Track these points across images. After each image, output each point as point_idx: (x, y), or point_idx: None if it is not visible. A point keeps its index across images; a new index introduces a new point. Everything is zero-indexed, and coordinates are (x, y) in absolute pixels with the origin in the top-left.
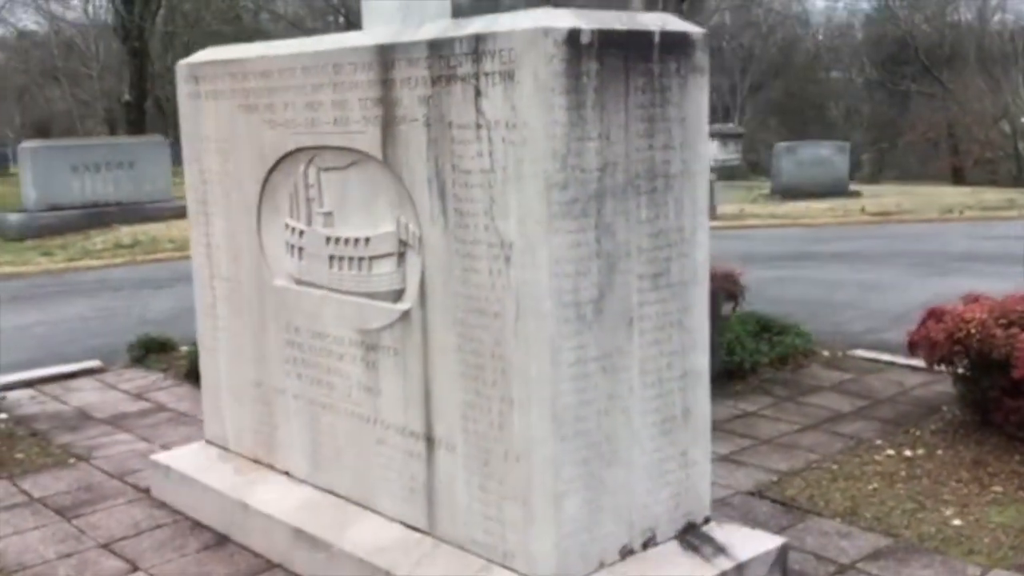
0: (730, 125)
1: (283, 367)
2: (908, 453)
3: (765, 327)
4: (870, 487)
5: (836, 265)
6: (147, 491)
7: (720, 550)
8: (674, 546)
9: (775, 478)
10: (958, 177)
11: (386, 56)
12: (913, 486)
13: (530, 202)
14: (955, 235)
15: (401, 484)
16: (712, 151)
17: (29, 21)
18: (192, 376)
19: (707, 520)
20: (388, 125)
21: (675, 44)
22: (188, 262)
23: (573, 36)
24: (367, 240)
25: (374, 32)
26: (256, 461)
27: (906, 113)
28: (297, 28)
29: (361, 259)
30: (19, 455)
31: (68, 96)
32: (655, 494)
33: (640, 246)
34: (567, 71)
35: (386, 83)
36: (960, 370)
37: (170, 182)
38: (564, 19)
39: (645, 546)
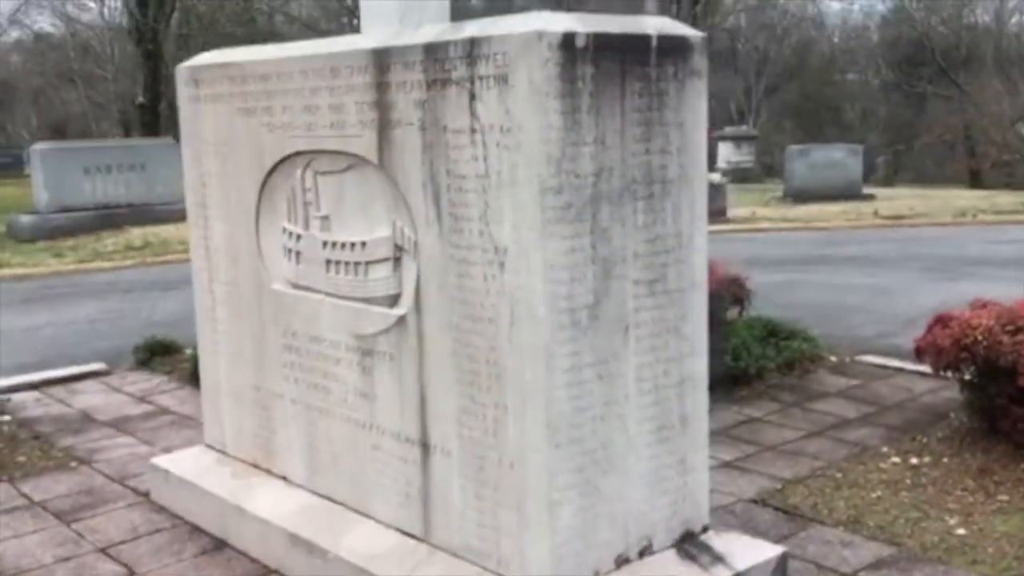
0: (743, 128)
1: (281, 371)
2: (914, 461)
3: (772, 332)
4: (874, 495)
5: (847, 269)
6: (147, 495)
7: (718, 559)
8: (671, 555)
9: (778, 485)
10: (975, 180)
11: (382, 59)
12: (918, 494)
13: (524, 207)
14: (968, 239)
15: (396, 490)
16: (725, 153)
17: (45, 23)
18: (196, 379)
19: (705, 529)
20: (384, 129)
21: (673, 48)
22: None
23: (568, 40)
24: (363, 244)
25: (371, 35)
26: (255, 465)
27: (922, 115)
28: (311, 30)
29: (357, 263)
30: (21, 458)
31: (83, 98)
32: (652, 502)
33: (636, 252)
34: (562, 75)
35: (382, 87)
36: (967, 377)
37: (181, 184)
38: (559, 22)
39: (641, 555)
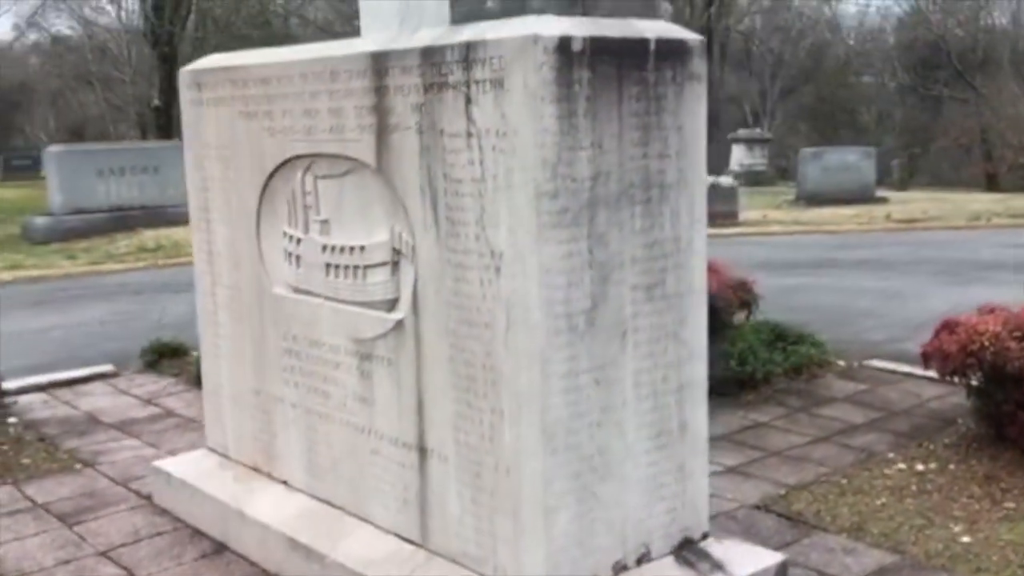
0: (757, 130)
1: (281, 375)
2: (920, 467)
3: (780, 336)
4: (879, 502)
5: (858, 273)
6: (149, 498)
7: (717, 566)
8: (669, 562)
9: (782, 491)
10: (992, 183)
11: (380, 63)
12: (923, 501)
13: (520, 211)
14: (981, 243)
15: (395, 495)
16: (738, 156)
17: (63, 26)
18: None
19: (705, 535)
20: (382, 133)
21: (671, 52)
22: None
23: (564, 44)
24: (362, 248)
25: (370, 38)
26: (256, 469)
27: (939, 118)
28: (325, 32)
29: (356, 268)
30: (26, 460)
31: (101, 100)
32: (650, 509)
33: (634, 256)
34: (558, 79)
35: (380, 90)
36: (974, 383)
37: None
38: (555, 26)
39: (639, 562)
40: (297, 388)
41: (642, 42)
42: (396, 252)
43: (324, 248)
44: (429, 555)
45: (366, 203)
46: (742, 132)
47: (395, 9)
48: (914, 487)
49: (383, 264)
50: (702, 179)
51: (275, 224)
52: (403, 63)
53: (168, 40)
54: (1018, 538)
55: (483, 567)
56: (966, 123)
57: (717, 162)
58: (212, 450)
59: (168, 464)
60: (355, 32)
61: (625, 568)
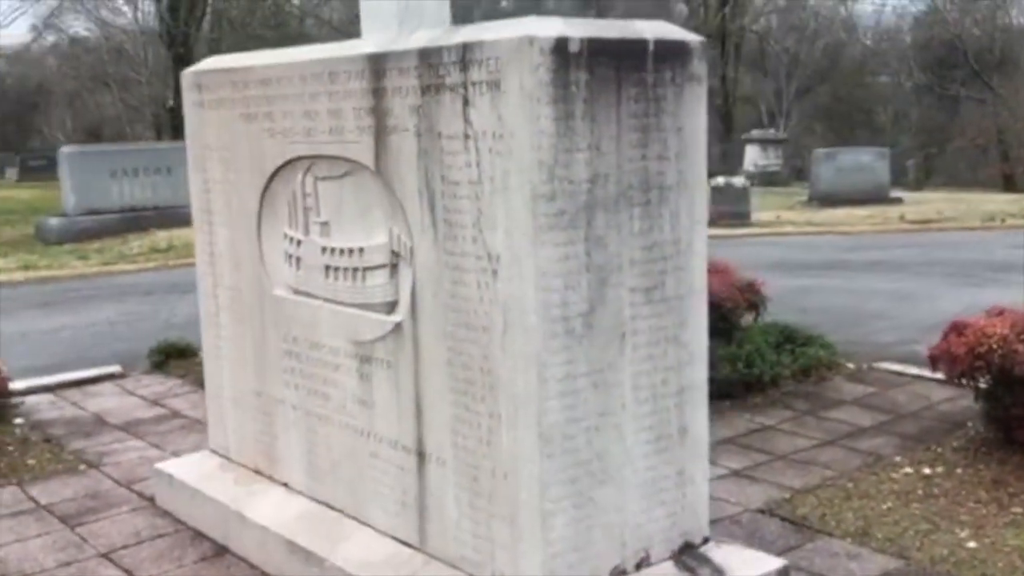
0: (771, 131)
1: (282, 377)
2: (927, 471)
3: (788, 338)
4: (884, 506)
5: (869, 274)
6: (152, 500)
7: (718, 571)
8: (669, 567)
9: (787, 495)
10: (1008, 184)
11: (378, 65)
12: (929, 506)
13: (516, 214)
14: (996, 244)
15: (394, 498)
16: (752, 156)
17: (80, 27)
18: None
19: (706, 540)
20: (381, 135)
21: (671, 52)
22: None
23: (560, 45)
24: (361, 251)
25: (369, 40)
26: (257, 471)
27: (955, 118)
28: (340, 32)
29: (355, 270)
30: (31, 461)
31: (117, 101)
32: (649, 513)
33: (633, 259)
34: (554, 80)
35: (378, 92)
36: (982, 385)
37: None
38: (552, 27)
39: (639, 566)
40: (298, 390)
41: (641, 43)
42: (395, 254)
43: (324, 250)
44: (427, 559)
45: (365, 205)
46: (756, 132)
47: (394, 10)
48: (920, 491)
49: (382, 266)
50: (702, 181)
51: (276, 226)
52: (400, 64)
53: (183, 41)
54: None
55: (481, 571)
56: (983, 123)
57: (730, 162)
58: (214, 452)
59: (171, 466)
60: None
61: (624, 573)
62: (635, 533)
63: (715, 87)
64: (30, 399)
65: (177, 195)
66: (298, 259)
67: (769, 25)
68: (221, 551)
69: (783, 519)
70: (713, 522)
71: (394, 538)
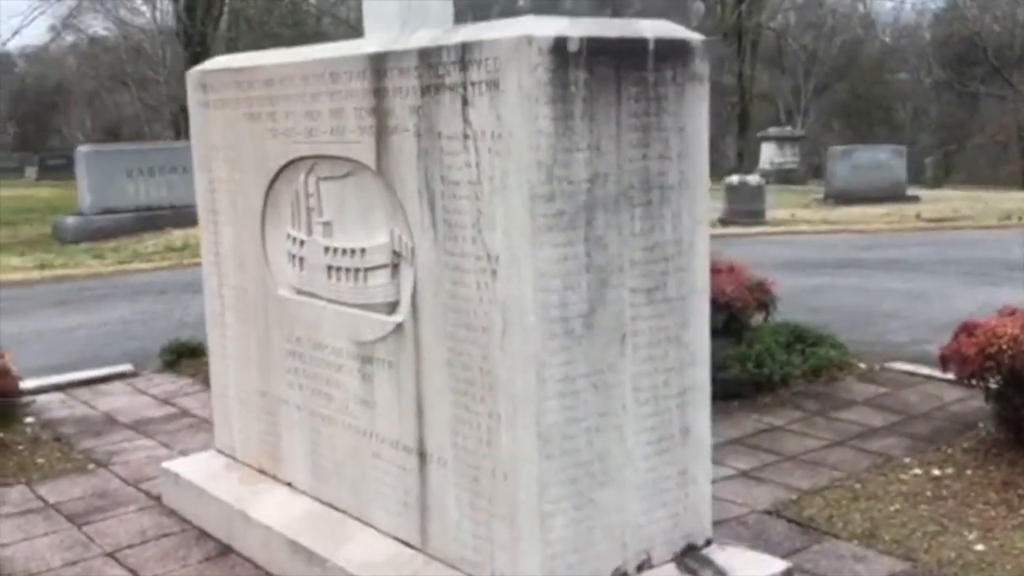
0: (787, 128)
1: (286, 377)
2: (936, 472)
3: (799, 338)
4: (892, 508)
5: (883, 273)
6: (159, 499)
7: (720, 574)
8: (671, 569)
9: (795, 496)
10: None
11: (379, 65)
12: (937, 507)
13: (515, 214)
14: (1013, 242)
15: (395, 499)
16: (768, 154)
17: (99, 27)
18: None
19: (708, 542)
20: (382, 135)
21: (672, 52)
22: None
23: (559, 44)
24: (363, 251)
25: (371, 39)
26: (262, 471)
27: (975, 115)
28: (356, 31)
29: (357, 270)
30: (40, 460)
31: (136, 100)
32: (651, 515)
33: (634, 259)
34: (553, 80)
35: (379, 92)
36: (993, 386)
37: None
38: (551, 27)
39: (640, 568)
40: (301, 390)
41: (641, 42)
42: (396, 254)
43: (326, 250)
44: (428, 559)
45: (367, 205)
46: (772, 130)
47: (397, 10)
48: (929, 493)
49: (383, 266)
50: (704, 180)
51: (279, 226)
52: (401, 64)
53: (200, 40)
54: None
55: (481, 572)
56: (1003, 120)
57: (746, 160)
58: (220, 451)
59: (177, 465)
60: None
61: (625, 575)
62: (636, 534)
63: (732, 85)
64: (41, 398)
65: (192, 194)
66: (301, 259)
67: (787, 22)
68: (226, 551)
69: (790, 520)
70: (719, 523)
71: (396, 538)
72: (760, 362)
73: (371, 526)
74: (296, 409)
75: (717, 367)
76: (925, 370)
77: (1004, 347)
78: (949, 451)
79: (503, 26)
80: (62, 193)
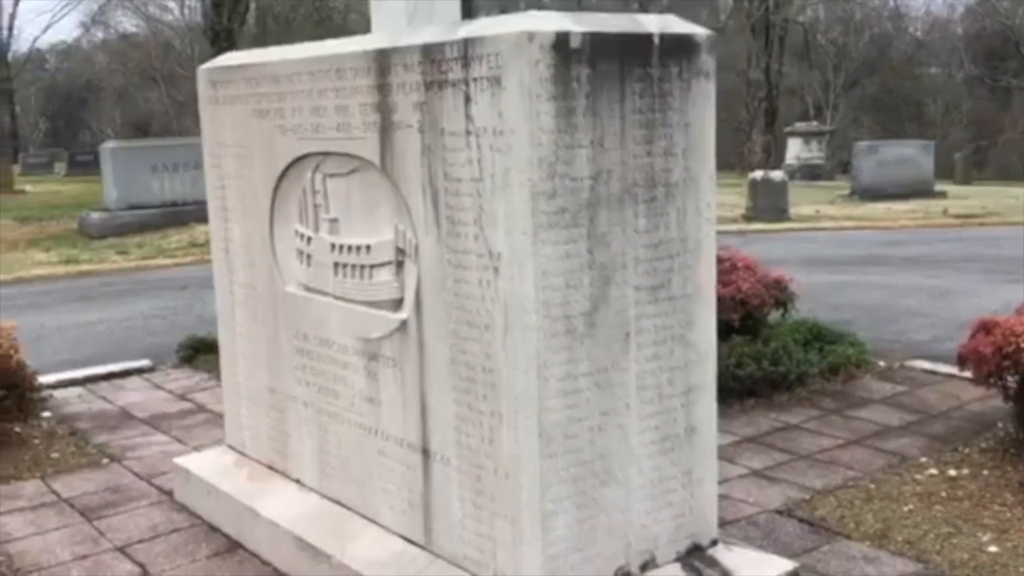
0: (814, 123)
1: (294, 374)
2: (952, 472)
3: (817, 335)
4: (905, 508)
5: (907, 270)
6: (170, 494)
7: (725, 574)
8: (675, 569)
9: (807, 496)
10: None
11: (384, 61)
12: (952, 508)
13: (517, 211)
14: None
15: (400, 497)
16: (794, 150)
17: (128, 24)
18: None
19: (714, 542)
20: (386, 131)
21: (677, 47)
22: None
23: (561, 40)
24: (368, 248)
25: (377, 36)
26: (271, 467)
27: (1007, 110)
28: None
29: (363, 267)
30: (55, 454)
31: (165, 97)
32: (655, 514)
33: (638, 257)
34: (555, 76)
35: (384, 88)
36: (1012, 385)
37: None
38: (552, 23)
39: (644, 568)
40: (309, 387)
41: (645, 37)
42: (400, 252)
43: (333, 247)
44: (432, 558)
45: (372, 202)
46: (799, 125)
47: (403, 9)
48: (944, 493)
49: (388, 264)
50: (711, 177)
51: (288, 223)
52: (405, 60)
53: (228, 36)
54: None
55: (483, 571)
56: None
57: (772, 156)
58: (231, 447)
59: (189, 461)
60: None
61: (628, 574)
62: (640, 534)
63: (759, 79)
64: (59, 393)
65: None
66: (309, 256)
67: (815, 16)
68: (234, 546)
69: (801, 520)
70: (730, 522)
71: (401, 536)
72: (776, 360)
73: (377, 523)
74: (304, 406)
75: (733, 365)
76: (945, 369)
77: (1022, 346)
78: (966, 451)
79: (506, 22)
80: (90, 188)
